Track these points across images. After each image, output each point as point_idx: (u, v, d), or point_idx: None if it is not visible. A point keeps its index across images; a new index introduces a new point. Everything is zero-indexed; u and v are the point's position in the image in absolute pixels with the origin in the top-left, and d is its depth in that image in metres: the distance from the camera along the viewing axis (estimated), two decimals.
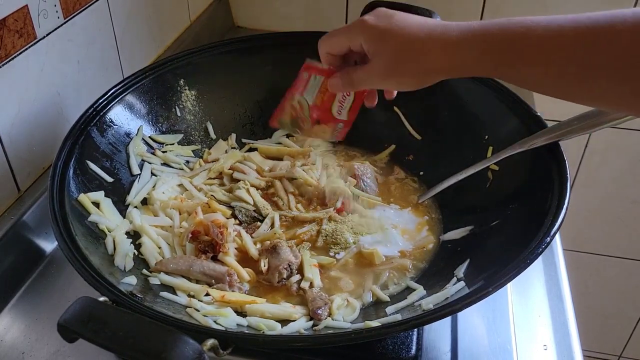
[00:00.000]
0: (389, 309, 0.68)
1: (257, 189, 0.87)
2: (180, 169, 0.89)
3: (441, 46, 0.58)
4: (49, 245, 0.83)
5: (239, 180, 0.87)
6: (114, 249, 0.72)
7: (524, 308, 0.76)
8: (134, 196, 0.81)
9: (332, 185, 0.86)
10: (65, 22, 0.85)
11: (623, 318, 1.74)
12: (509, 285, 0.77)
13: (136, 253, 0.74)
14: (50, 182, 0.70)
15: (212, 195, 0.85)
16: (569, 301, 0.77)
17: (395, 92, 0.73)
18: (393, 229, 0.82)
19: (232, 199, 0.85)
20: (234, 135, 0.96)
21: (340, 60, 0.69)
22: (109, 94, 0.83)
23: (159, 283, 0.71)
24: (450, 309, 0.58)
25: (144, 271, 0.72)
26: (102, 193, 0.76)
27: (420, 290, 0.70)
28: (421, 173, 0.91)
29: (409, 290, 0.72)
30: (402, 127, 0.94)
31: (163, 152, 0.88)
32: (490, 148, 0.83)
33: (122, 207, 0.79)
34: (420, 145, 0.93)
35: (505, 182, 0.80)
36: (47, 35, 0.82)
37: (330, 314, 0.68)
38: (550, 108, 0.97)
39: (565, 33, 0.52)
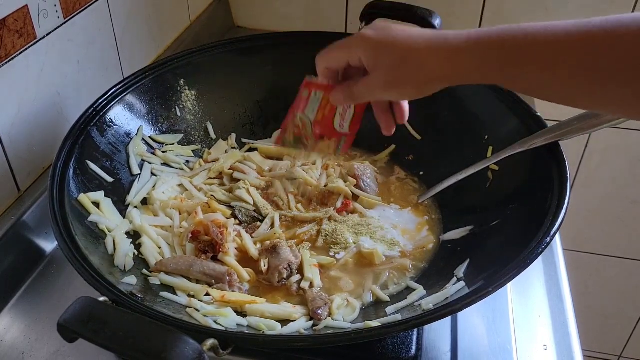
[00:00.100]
0: (389, 309, 0.68)
1: (257, 189, 0.87)
2: (180, 169, 0.89)
3: (440, 55, 0.59)
4: (49, 245, 0.83)
5: (239, 180, 0.87)
6: (114, 249, 0.72)
7: (524, 308, 0.76)
8: (134, 196, 0.81)
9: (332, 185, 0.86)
10: (65, 22, 0.85)
11: (623, 318, 1.74)
12: (509, 285, 0.77)
13: (136, 253, 0.74)
14: (50, 182, 0.70)
15: (212, 195, 0.85)
16: (569, 301, 0.77)
17: (406, 115, 0.73)
18: (393, 229, 0.82)
19: (232, 199, 0.85)
20: (234, 135, 0.96)
21: (338, 75, 0.69)
22: (109, 94, 0.83)
23: (159, 283, 0.71)
24: (450, 309, 0.58)
25: (144, 271, 0.72)
26: (102, 193, 0.76)
27: (420, 290, 0.70)
28: (421, 173, 0.91)
29: (409, 290, 0.72)
30: (402, 127, 0.94)
31: (163, 152, 0.88)
32: (490, 148, 0.83)
33: (122, 207, 0.79)
34: (420, 145, 0.93)
35: (505, 182, 0.80)
36: (47, 35, 0.82)
37: (330, 314, 0.68)
38: (550, 108, 0.97)
39: (569, 37, 0.53)
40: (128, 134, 0.85)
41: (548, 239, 0.62)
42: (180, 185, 0.86)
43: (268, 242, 0.77)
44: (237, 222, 0.82)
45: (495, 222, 0.75)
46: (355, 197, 0.86)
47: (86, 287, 0.61)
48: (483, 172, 0.82)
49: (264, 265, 0.74)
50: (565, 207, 0.66)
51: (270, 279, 0.73)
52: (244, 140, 0.96)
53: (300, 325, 0.66)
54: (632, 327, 1.76)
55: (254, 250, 0.77)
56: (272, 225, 0.81)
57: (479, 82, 0.59)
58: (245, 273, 0.74)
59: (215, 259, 0.75)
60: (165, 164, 0.88)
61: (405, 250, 0.79)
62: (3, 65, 0.75)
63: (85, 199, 0.73)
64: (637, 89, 0.50)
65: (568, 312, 0.75)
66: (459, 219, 0.81)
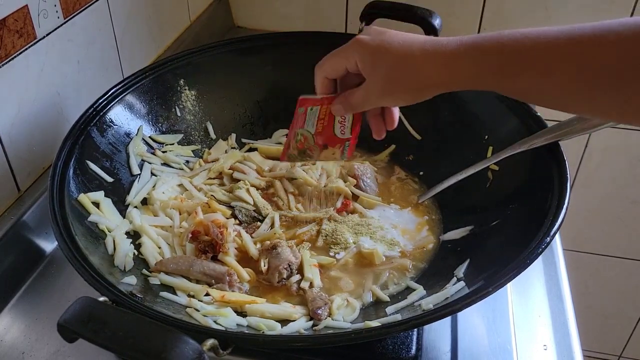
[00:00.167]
0: (389, 309, 0.68)
1: (257, 189, 0.87)
2: (180, 169, 0.89)
3: (436, 61, 0.59)
4: (49, 245, 0.83)
5: (239, 180, 0.87)
6: (114, 249, 0.72)
7: (524, 308, 0.76)
8: (134, 196, 0.81)
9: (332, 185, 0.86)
10: (65, 22, 0.85)
11: (623, 318, 1.74)
12: (509, 285, 0.77)
13: (136, 253, 0.74)
14: (50, 182, 0.70)
15: (212, 195, 0.85)
16: (569, 301, 0.77)
17: (396, 122, 0.74)
18: (393, 229, 0.82)
19: (232, 199, 0.85)
20: (234, 135, 0.96)
21: (336, 85, 0.70)
22: (109, 94, 0.83)
23: (159, 283, 0.71)
24: (450, 309, 0.58)
25: (144, 271, 0.72)
26: (102, 193, 0.76)
27: (420, 290, 0.70)
28: (421, 173, 0.91)
29: (409, 290, 0.72)
30: (402, 127, 0.94)
31: (163, 152, 0.88)
32: (490, 148, 0.83)
33: (122, 207, 0.79)
34: (420, 145, 0.93)
35: (505, 182, 0.80)
36: (47, 35, 0.82)
37: (330, 314, 0.68)
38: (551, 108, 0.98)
39: (562, 44, 0.53)
40: (128, 134, 0.85)
41: (548, 239, 0.62)
42: (180, 185, 0.86)
43: (268, 242, 0.77)
44: (237, 222, 0.82)
45: (495, 222, 0.75)
46: (355, 197, 0.86)
47: (86, 287, 0.61)
48: (483, 172, 0.82)
49: (264, 265, 0.74)
50: (565, 207, 0.66)
51: (270, 279, 0.73)
52: (244, 140, 0.96)
53: (300, 325, 0.66)
54: (632, 327, 1.76)
55: (254, 250, 0.77)
56: (272, 225, 0.81)
57: (474, 88, 0.59)
58: (245, 273, 0.74)
59: (215, 259, 0.75)
60: (165, 164, 0.88)
61: (405, 250, 0.79)
62: (3, 65, 0.75)
63: (85, 199, 0.73)
64: (629, 94, 0.50)
65: (568, 312, 0.75)
66: (459, 219, 0.81)
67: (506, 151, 0.78)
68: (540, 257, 0.61)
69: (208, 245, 0.75)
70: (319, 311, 0.68)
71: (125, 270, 0.70)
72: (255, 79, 0.97)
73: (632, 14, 1.19)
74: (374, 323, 0.63)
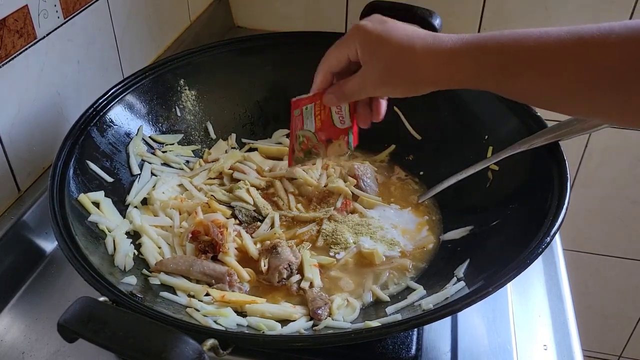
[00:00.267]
0: (389, 309, 0.68)
1: (257, 189, 0.87)
2: (180, 169, 0.89)
3: (435, 58, 0.59)
4: (49, 245, 0.83)
5: (239, 180, 0.87)
6: (114, 249, 0.72)
7: (524, 308, 0.76)
8: (134, 196, 0.81)
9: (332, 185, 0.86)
10: (65, 22, 0.85)
11: (623, 318, 1.74)
12: (509, 285, 0.77)
13: (136, 253, 0.74)
14: (50, 182, 0.70)
15: (212, 195, 0.85)
16: (569, 301, 0.77)
17: (383, 114, 0.74)
18: (393, 229, 0.82)
19: (232, 199, 0.85)
20: (234, 135, 0.96)
21: (334, 80, 0.70)
22: (109, 94, 0.83)
23: (159, 283, 0.71)
24: (450, 309, 0.58)
25: (144, 271, 0.72)
26: (102, 193, 0.76)
27: (420, 290, 0.70)
28: (421, 173, 0.91)
29: (409, 290, 0.72)
30: (402, 127, 0.94)
31: (163, 152, 0.88)
32: (490, 148, 0.83)
33: (122, 207, 0.79)
34: (420, 145, 0.93)
35: (505, 182, 0.80)
36: (47, 35, 0.82)
37: (330, 314, 0.68)
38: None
39: (563, 45, 0.53)
40: (128, 134, 0.85)
41: (548, 239, 0.62)
42: (180, 185, 0.86)
43: (268, 242, 0.77)
44: (237, 222, 0.82)
45: (495, 222, 0.75)
46: (355, 197, 0.86)
47: (86, 287, 0.61)
48: (483, 172, 0.82)
49: (264, 265, 0.74)
50: (565, 207, 0.66)
51: (270, 279, 0.73)
52: (244, 140, 0.96)
53: (300, 325, 0.66)
54: (632, 327, 1.76)
55: (254, 250, 0.77)
56: (272, 225, 0.81)
57: (472, 87, 0.59)
58: (245, 273, 0.74)
59: (215, 259, 0.75)
60: (165, 164, 0.88)
61: (405, 250, 0.79)
62: (3, 65, 0.75)
63: (85, 199, 0.73)
64: (629, 95, 0.50)
65: (568, 312, 0.75)
66: (459, 219, 0.81)
67: (506, 151, 0.78)
68: (540, 257, 0.61)
69: (208, 245, 0.75)
70: (319, 311, 0.68)
71: (125, 270, 0.70)
72: (255, 79, 0.97)
73: (632, 14, 1.19)
74: (374, 323, 0.63)
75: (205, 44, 0.95)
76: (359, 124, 0.73)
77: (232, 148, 0.95)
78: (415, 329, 0.67)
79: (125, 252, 0.72)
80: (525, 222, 0.70)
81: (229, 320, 0.65)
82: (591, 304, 1.72)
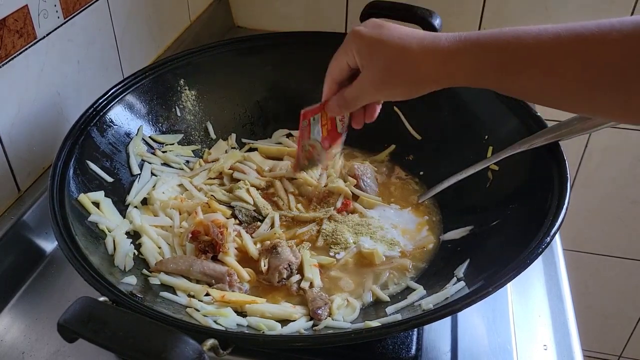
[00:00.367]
0: (389, 309, 0.68)
1: (257, 189, 0.87)
2: (180, 169, 0.89)
3: (434, 57, 0.58)
4: (49, 245, 0.83)
5: (239, 180, 0.87)
6: (114, 249, 0.72)
7: (524, 308, 0.76)
8: (134, 196, 0.81)
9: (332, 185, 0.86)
10: (65, 22, 0.85)
11: (623, 318, 1.74)
12: (509, 285, 0.77)
13: (136, 253, 0.74)
14: (50, 182, 0.70)
15: (212, 195, 0.85)
16: (569, 301, 0.77)
17: (375, 116, 0.74)
18: (393, 229, 0.82)
19: (232, 199, 0.85)
20: (234, 135, 0.96)
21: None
22: (109, 94, 0.83)
23: (159, 283, 0.71)
24: (450, 309, 0.58)
25: (144, 271, 0.72)
26: (102, 193, 0.76)
27: (420, 290, 0.70)
28: (421, 173, 0.91)
29: (409, 290, 0.72)
30: (402, 127, 0.94)
31: (163, 152, 0.88)
32: (490, 148, 0.83)
33: (122, 207, 0.79)
34: (420, 145, 0.93)
35: (505, 182, 0.80)
36: (47, 35, 0.82)
37: (330, 314, 0.68)
38: (550, 108, 0.98)
39: (563, 42, 0.52)
40: (128, 134, 0.85)
41: (548, 239, 0.62)
42: (180, 185, 0.86)
43: (268, 242, 0.77)
44: (237, 222, 0.82)
45: (495, 222, 0.75)
46: (355, 197, 0.86)
47: (86, 287, 0.61)
48: (483, 172, 0.82)
49: (264, 265, 0.74)
50: (565, 207, 0.66)
51: (270, 279, 0.73)
52: (244, 140, 0.96)
53: (300, 325, 0.66)
54: (632, 327, 1.76)
55: (254, 250, 0.77)
56: (272, 225, 0.81)
57: (471, 86, 0.59)
58: (245, 273, 0.74)
59: (215, 259, 0.75)
60: (165, 164, 0.88)
61: (405, 250, 0.79)
62: (3, 65, 0.75)
63: (85, 199, 0.73)
64: (631, 93, 0.50)
65: (568, 312, 0.75)
66: (459, 219, 0.81)
67: (506, 151, 0.78)
68: (540, 257, 0.61)
69: (208, 245, 0.75)
70: (319, 311, 0.68)
71: (125, 270, 0.70)
72: (255, 79, 0.97)
73: (632, 14, 1.19)
74: (374, 323, 0.63)
75: (205, 44, 0.95)
76: (353, 125, 0.74)
77: (232, 148, 0.95)
78: (415, 329, 0.67)
79: (125, 252, 0.72)
80: (525, 222, 0.70)
81: (229, 320, 0.65)
82: (591, 304, 1.72)
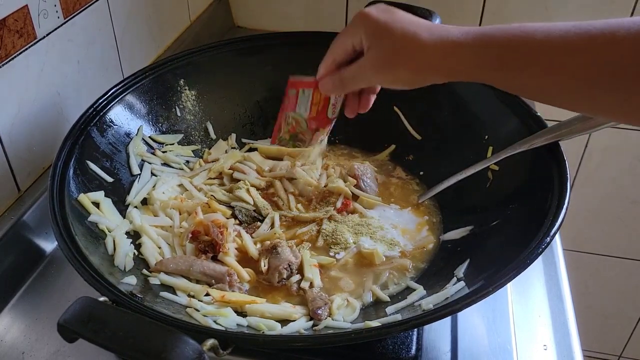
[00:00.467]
0: (389, 309, 0.68)
1: (257, 189, 0.87)
2: (180, 169, 0.89)
3: (442, 47, 0.58)
4: (49, 245, 0.83)
5: (239, 180, 0.87)
6: (114, 249, 0.72)
7: (524, 308, 0.76)
8: (134, 196, 0.81)
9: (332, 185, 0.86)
10: (65, 22, 0.85)
11: (623, 318, 1.74)
12: (509, 285, 0.77)
13: (136, 253, 0.74)
14: (50, 182, 0.70)
15: (212, 195, 0.85)
16: (569, 301, 0.77)
17: (369, 106, 0.73)
18: (393, 229, 0.82)
19: (232, 199, 0.85)
20: (234, 135, 0.96)
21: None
22: (109, 94, 0.83)
23: (159, 283, 0.71)
24: (450, 309, 0.58)
25: (144, 271, 0.72)
26: (102, 193, 0.76)
27: (420, 290, 0.70)
28: (421, 173, 0.91)
29: (409, 290, 0.72)
30: (402, 127, 0.94)
31: (163, 152, 0.88)
32: (490, 148, 0.83)
33: (122, 207, 0.79)
34: (420, 145, 0.93)
35: (505, 182, 0.80)
36: (47, 35, 0.82)
37: (330, 314, 0.68)
38: (550, 108, 0.97)
39: (569, 40, 0.52)
40: (128, 134, 0.85)
41: (548, 239, 0.62)
42: (180, 185, 0.86)
43: (268, 242, 0.77)
44: (237, 222, 0.82)
45: (495, 222, 0.75)
46: (355, 197, 0.86)
47: (86, 287, 0.61)
48: (483, 172, 0.82)
49: (264, 265, 0.74)
50: (565, 207, 0.66)
51: (270, 279, 0.73)
52: (244, 140, 0.96)
53: (300, 325, 0.66)
54: (632, 327, 1.76)
55: (254, 250, 0.77)
56: (272, 225, 0.81)
57: (473, 80, 0.59)
58: (245, 273, 0.74)
59: (215, 259, 0.75)
60: (165, 164, 0.88)
61: (405, 250, 0.79)
62: (3, 65, 0.75)
63: (85, 199, 0.73)
64: (632, 92, 0.50)
65: (568, 312, 0.75)
66: (459, 219, 0.81)
67: (506, 151, 0.78)
68: (540, 257, 0.61)
69: (208, 245, 0.75)
70: (319, 311, 0.68)
71: (125, 270, 0.70)
72: (255, 79, 0.97)
73: (632, 14, 1.19)
74: (374, 323, 0.63)
75: (205, 44, 0.95)
76: (346, 113, 0.73)
77: (232, 148, 0.95)
78: (415, 329, 0.67)
79: (125, 252, 0.72)
80: (525, 222, 0.70)
81: (229, 320, 0.65)
82: (591, 304, 1.72)
